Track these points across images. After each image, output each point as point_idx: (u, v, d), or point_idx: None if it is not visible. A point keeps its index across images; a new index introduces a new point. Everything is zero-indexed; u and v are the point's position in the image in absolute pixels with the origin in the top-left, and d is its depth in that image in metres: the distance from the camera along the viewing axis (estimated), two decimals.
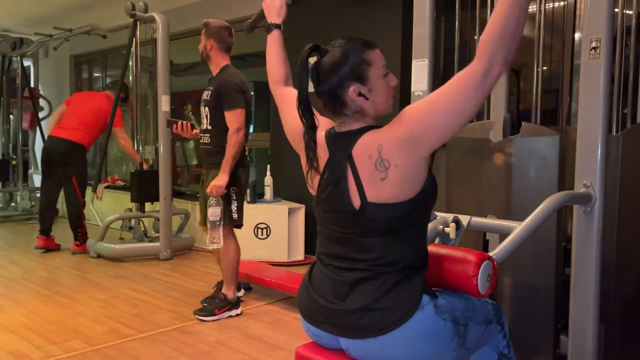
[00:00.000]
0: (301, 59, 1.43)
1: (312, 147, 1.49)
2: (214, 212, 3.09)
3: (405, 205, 1.38)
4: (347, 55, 1.42)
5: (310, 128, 1.48)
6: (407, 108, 1.38)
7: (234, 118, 3.12)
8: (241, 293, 3.47)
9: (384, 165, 1.37)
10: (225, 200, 3.17)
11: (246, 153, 3.35)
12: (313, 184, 1.54)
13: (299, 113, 1.47)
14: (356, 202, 1.41)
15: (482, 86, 1.27)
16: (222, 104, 3.16)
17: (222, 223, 3.13)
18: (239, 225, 3.31)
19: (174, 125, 3.44)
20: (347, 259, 1.45)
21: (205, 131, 3.27)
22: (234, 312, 3.32)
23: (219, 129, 3.19)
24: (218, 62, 3.26)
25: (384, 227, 1.40)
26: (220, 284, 3.45)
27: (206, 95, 3.26)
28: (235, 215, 3.23)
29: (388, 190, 1.38)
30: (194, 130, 3.42)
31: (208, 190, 3.11)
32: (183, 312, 3.37)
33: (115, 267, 4.57)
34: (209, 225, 3.12)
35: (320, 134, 1.51)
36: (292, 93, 1.70)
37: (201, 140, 3.32)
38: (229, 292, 3.30)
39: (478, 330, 1.50)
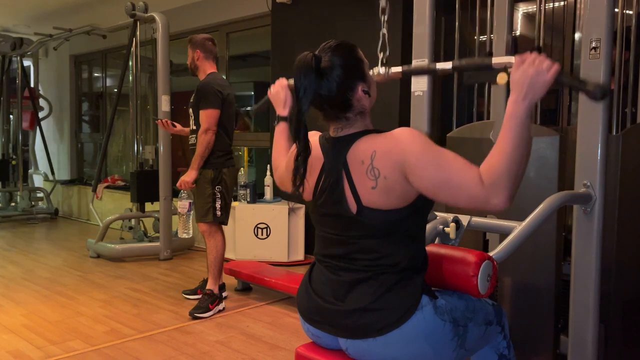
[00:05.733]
0: (305, 67, 1.36)
1: (301, 172, 1.43)
2: (183, 204, 3.42)
3: (401, 211, 1.38)
4: (349, 56, 1.43)
5: (304, 150, 1.41)
6: (412, 140, 1.32)
7: (204, 118, 3.28)
8: (225, 294, 3.59)
9: (374, 174, 1.36)
10: (211, 198, 3.35)
11: (231, 154, 3.51)
12: (304, 191, 1.51)
13: (293, 133, 1.40)
14: (353, 206, 1.40)
15: (480, 205, 1.25)
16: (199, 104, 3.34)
17: (205, 216, 3.36)
18: (223, 222, 3.46)
19: (158, 121, 3.76)
20: (346, 259, 1.45)
21: (192, 132, 3.46)
22: (221, 306, 3.41)
23: None
24: (204, 69, 3.44)
25: (381, 230, 1.40)
26: (204, 282, 3.56)
27: (192, 98, 3.44)
28: (219, 213, 3.38)
29: (379, 198, 1.37)
30: (176, 127, 3.67)
31: (178, 184, 3.35)
32: (183, 312, 3.37)
33: (115, 267, 4.56)
34: (179, 217, 3.46)
35: (314, 139, 1.51)
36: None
37: (190, 141, 3.49)
38: (214, 287, 3.39)
39: (478, 331, 1.50)
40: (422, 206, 1.41)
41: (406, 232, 1.41)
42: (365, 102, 1.44)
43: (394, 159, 1.33)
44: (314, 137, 1.52)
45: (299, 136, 1.40)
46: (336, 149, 1.45)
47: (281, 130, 1.79)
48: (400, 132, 1.36)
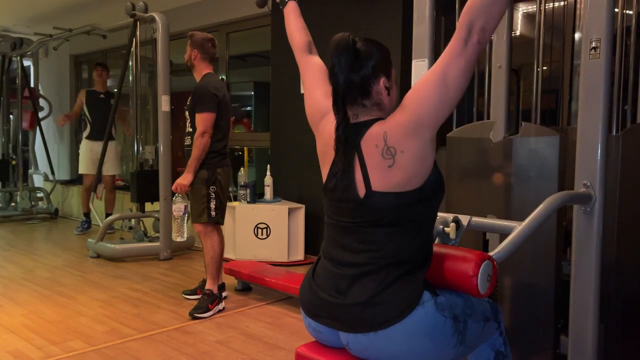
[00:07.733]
0: (344, 44, 1.42)
1: (342, 140, 1.46)
2: (178, 207, 3.41)
3: (411, 195, 1.40)
4: (382, 50, 1.49)
5: (343, 120, 1.46)
6: (407, 93, 1.42)
7: (200, 121, 3.29)
8: (225, 294, 3.58)
9: (390, 153, 1.39)
10: (206, 199, 3.35)
11: (226, 154, 3.50)
12: (323, 171, 1.56)
13: (334, 104, 1.47)
14: (361, 190, 1.43)
15: (463, 53, 1.32)
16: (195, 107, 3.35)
17: (202, 219, 3.37)
18: (219, 222, 3.45)
19: None
20: (349, 250, 1.46)
21: (188, 134, 3.46)
22: (220, 306, 3.41)
23: None
24: (200, 70, 3.45)
25: (387, 217, 1.41)
26: (204, 282, 3.54)
27: (188, 100, 3.45)
28: (214, 213, 3.38)
29: (396, 176, 1.39)
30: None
31: (173, 187, 3.36)
32: (183, 312, 3.37)
33: (115, 267, 4.57)
34: (173, 220, 3.49)
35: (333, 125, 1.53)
36: (317, 62, 1.77)
37: (185, 143, 3.50)
38: (213, 287, 3.39)
39: (477, 327, 1.50)
40: (431, 193, 1.43)
41: (413, 221, 1.42)
42: (383, 97, 1.48)
43: (405, 124, 1.38)
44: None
45: (337, 106, 1.46)
46: (350, 135, 1.47)
47: (291, 9, 1.88)
48: (399, 106, 1.42)
